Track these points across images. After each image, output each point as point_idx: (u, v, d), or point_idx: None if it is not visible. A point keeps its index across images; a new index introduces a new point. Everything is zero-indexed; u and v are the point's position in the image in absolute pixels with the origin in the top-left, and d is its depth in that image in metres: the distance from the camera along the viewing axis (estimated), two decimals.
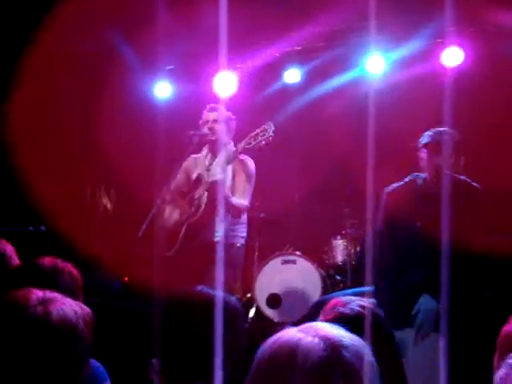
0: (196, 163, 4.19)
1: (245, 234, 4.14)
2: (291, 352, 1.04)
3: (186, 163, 4.22)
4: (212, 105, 4.18)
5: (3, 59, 5.21)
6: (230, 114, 4.15)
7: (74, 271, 2.07)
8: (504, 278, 4.05)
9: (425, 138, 3.49)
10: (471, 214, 3.25)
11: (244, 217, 4.13)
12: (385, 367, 1.83)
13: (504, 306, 3.14)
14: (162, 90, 6.05)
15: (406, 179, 3.55)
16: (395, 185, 3.58)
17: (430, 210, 3.30)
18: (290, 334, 1.09)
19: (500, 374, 1.15)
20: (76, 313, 1.40)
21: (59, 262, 2.07)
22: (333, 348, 1.04)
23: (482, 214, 3.42)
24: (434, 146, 3.45)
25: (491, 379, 1.58)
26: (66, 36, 5.10)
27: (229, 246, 3.98)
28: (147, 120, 5.77)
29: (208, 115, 4.12)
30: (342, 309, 1.84)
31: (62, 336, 1.36)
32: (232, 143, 4.08)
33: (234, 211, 3.96)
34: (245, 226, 4.14)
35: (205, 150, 4.20)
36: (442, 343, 2.90)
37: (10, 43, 5.17)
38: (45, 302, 1.39)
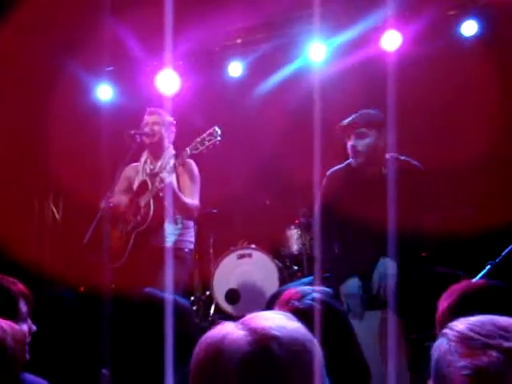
0: (137, 171, 4.13)
1: (193, 239, 4.10)
2: (216, 350, 0.99)
3: (127, 171, 4.16)
4: (152, 108, 4.13)
5: None
6: (171, 118, 4.11)
7: (14, 286, 1.99)
8: (453, 253, 4.15)
9: (347, 120, 3.54)
10: (413, 192, 3.30)
11: (190, 221, 4.10)
12: (343, 357, 1.84)
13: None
14: (104, 92, 5.94)
15: (347, 161, 3.60)
16: (335, 167, 3.63)
17: (369, 191, 3.36)
18: (219, 329, 1.05)
19: (435, 343, 1.17)
20: (3, 330, 1.35)
21: None
22: (260, 341, 0.99)
23: (424, 192, 3.47)
24: (343, 130, 3.50)
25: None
26: (8, 42, 4.96)
27: (177, 250, 3.94)
28: (91, 124, 5.66)
29: (148, 118, 4.07)
30: (296, 303, 1.84)
31: None
32: (171, 146, 4.05)
33: (187, 212, 3.91)
34: (192, 230, 4.11)
35: (144, 156, 4.14)
36: (392, 321, 2.95)
37: None
38: None
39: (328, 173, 3.65)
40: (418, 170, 3.50)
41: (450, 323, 1.20)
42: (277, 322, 1.05)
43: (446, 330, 1.19)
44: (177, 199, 3.77)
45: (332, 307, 1.84)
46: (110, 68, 5.94)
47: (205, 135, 3.77)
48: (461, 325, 1.17)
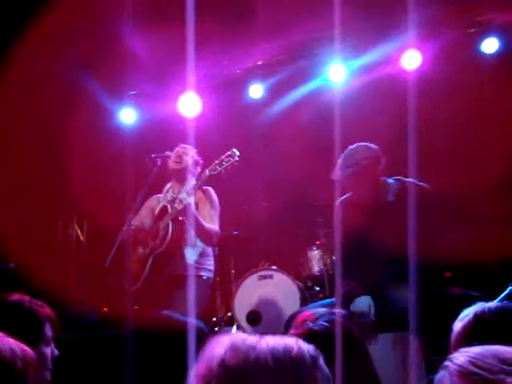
0: (159, 200, 4.18)
1: (212, 267, 4.11)
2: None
3: (150, 202, 4.23)
4: (184, 145, 4.19)
5: None
6: (198, 158, 4.17)
7: (42, 310, 2.02)
8: (471, 274, 4.10)
9: (334, 173, 3.50)
10: (424, 215, 3.26)
11: (210, 249, 4.12)
12: (358, 378, 1.83)
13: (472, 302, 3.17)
14: (127, 115, 6.03)
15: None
16: (342, 197, 3.64)
17: (378, 218, 3.35)
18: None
19: (437, 376, 1.15)
20: (13, 352, 1.37)
21: (25, 299, 2.03)
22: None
23: (434, 212, 3.43)
24: (339, 183, 3.49)
25: None
26: (30, 65, 5.07)
27: (195, 277, 3.95)
28: (114, 147, 5.74)
29: (177, 149, 4.14)
30: (311, 324, 1.84)
31: None
32: (194, 180, 4.09)
33: (206, 235, 3.93)
34: (211, 258, 4.12)
35: (167, 186, 4.20)
36: (413, 345, 2.92)
37: None
38: None
39: (337, 202, 3.65)
40: (425, 190, 3.47)
41: (451, 355, 1.16)
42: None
43: (446, 363, 1.16)
44: (196, 221, 3.80)
45: (347, 329, 1.84)
46: (133, 92, 6.03)
47: (223, 157, 3.83)
48: (461, 357, 1.13)
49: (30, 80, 5.35)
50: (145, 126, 5.99)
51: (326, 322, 1.81)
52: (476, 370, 1.08)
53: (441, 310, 3.13)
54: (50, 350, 1.98)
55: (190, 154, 4.09)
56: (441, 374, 1.15)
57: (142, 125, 6.01)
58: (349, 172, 3.41)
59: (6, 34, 4.89)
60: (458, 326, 1.74)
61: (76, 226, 5.87)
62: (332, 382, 1.14)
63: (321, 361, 1.10)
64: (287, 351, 1.04)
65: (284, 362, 1.03)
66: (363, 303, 3.27)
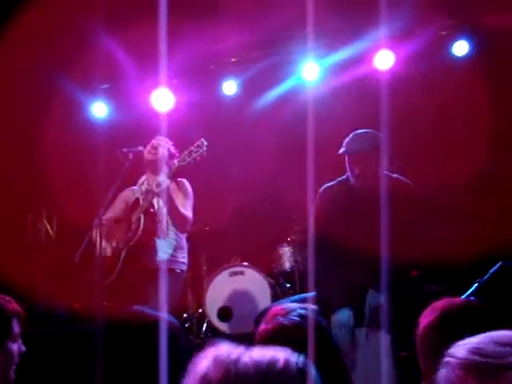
0: (134, 193, 4.15)
1: (185, 260, 4.09)
2: None
3: (124, 194, 4.19)
4: (161, 137, 4.15)
5: None
6: (174, 151, 4.13)
7: (9, 305, 1.99)
8: (446, 271, 4.16)
9: (343, 146, 3.51)
10: (405, 211, 3.28)
11: (185, 242, 4.10)
12: (329, 373, 1.84)
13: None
14: (99, 109, 5.98)
15: (340, 178, 3.58)
16: (328, 184, 3.62)
17: (362, 209, 3.35)
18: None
19: (439, 375, 1.12)
20: None
21: None
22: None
23: (416, 210, 3.46)
24: (351, 157, 3.48)
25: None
26: (2, 59, 4.99)
27: (169, 270, 3.94)
28: (86, 141, 5.68)
29: (153, 141, 4.10)
30: (281, 319, 1.85)
31: None
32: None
33: (181, 220, 3.91)
34: (185, 250, 4.11)
35: (142, 178, 4.17)
36: (384, 339, 2.95)
37: None
38: None
39: (321, 189, 3.63)
40: (409, 187, 3.50)
41: (450, 350, 1.13)
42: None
43: (447, 359, 1.12)
44: (171, 205, 3.78)
45: (317, 323, 1.85)
46: (105, 86, 5.97)
47: (192, 147, 3.83)
48: (461, 350, 1.09)
49: (1, 74, 5.26)
50: (117, 120, 5.94)
51: (296, 316, 1.82)
52: (480, 358, 1.05)
53: (414, 306, 3.17)
54: (16, 346, 1.95)
55: (166, 146, 4.06)
56: (443, 372, 1.11)
57: (114, 119, 5.96)
58: (365, 148, 3.36)
59: None
60: (424, 320, 1.77)
61: (45, 221, 5.79)
62: None
63: (311, 372, 1.05)
64: (272, 365, 1.00)
65: (267, 376, 0.99)
66: (344, 315, 3.27)
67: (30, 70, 5.40)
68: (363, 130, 3.53)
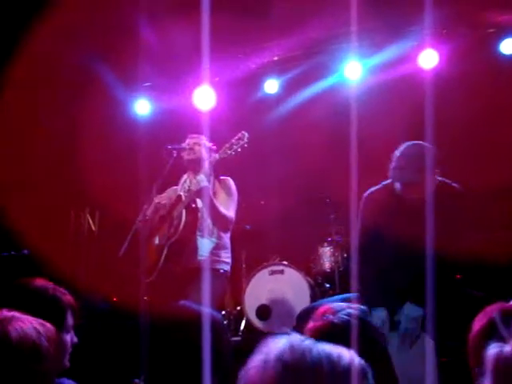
0: (176, 191, 4.14)
1: (229, 260, 4.02)
2: None
3: (168, 193, 4.17)
4: (193, 134, 4.15)
5: None
6: (210, 144, 4.13)
7: (64, 297, 2.02)
8: (494, 276, 4.06)
9: (395, 171, 3.41)
10: (452, 216, 3.20)
11: (228, 241, 4.04)
12: (376, 373, 1.82)
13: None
14: (142, 107, 6.05)
15: (385, 182, 3.51)
16: (373, 189, 3.54)
17: (409, 215, 3.28)
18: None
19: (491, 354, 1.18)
20: (38, 331, 1.36)
21: (49, 285, 2.02)
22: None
23: (463, 214, 3.38)
24: (404, 185, 3.40)
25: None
26: (45, 55, 5.08)
27: (212, 270, 3.88)
28: (129, 138, 5.76)
29: (190, 140, 4.09)
30: (331, 317, 1.84)
31: (23, 355, 1.32)
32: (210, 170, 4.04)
33: (221, 220, 3.86)
34: (229, 250, 4.04)
35: (184, 177, 4.16)
36: (427, 344, 2.89)
37: None
38: (3, 321, 1.35)
39: (365, 194, 3.56)
40: (458, 191, 3.41)
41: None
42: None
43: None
44: (211, 204, 3.75)
45: (367, 323, 1.84)
46: (148, 84, 6.04)
47: (233, 140, 3.82)
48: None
49: (46, 70, 5.36)
50: (159, 117, 6.00)
51: (346, 315, 1.81)
52: None
53: (459, 312, 3.11)
54: (69, 337, 1.99)
55: (202, 143, 4.04)
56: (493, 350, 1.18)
57: (157, 117, 6.02)
58: (419, 178, 3.22)
59: (21, 24, 4.90)
60: (475, 326, 1.73)
61: (88, 216, 5.89)
62: None
63: (370, 375, 1.15)
64: (341, 358, 1.09)
65: (337, 367, 1.07)
66: (378, 317, 3.22)
67: (74, 66, 5.50)
68: (415, 147, 3.39)
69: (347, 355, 1.10)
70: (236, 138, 3.83)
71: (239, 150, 3.78)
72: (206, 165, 3.97)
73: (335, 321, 1.80)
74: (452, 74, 5.03)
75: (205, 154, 4.00)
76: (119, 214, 4.90)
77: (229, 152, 3.79)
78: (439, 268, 2.53)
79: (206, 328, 1.78)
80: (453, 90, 4.98)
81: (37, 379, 1.35)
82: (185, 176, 4.17)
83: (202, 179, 3.76)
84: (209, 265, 3.85)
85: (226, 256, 4.00)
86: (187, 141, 4.09)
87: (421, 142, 3.36)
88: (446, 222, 2.90)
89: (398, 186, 3.41)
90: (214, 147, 4.09)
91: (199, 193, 3.77)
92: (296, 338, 1.12)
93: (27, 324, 1.36)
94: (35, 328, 1.37)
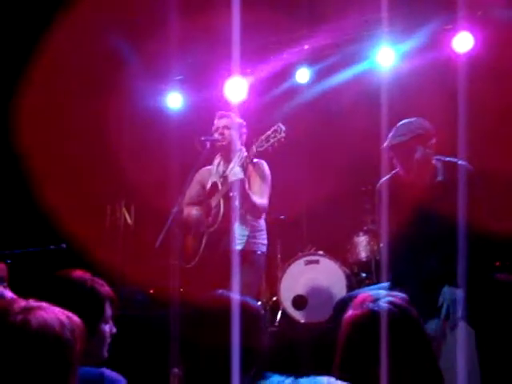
0: (210, 174, 4.18)
1: (265, 242, 4.06)
2: None
3: (200, 175, 4.20)
4: (222, 112, 4.18)
5: (10, 70, 5.25)
6: (241, 120, 4.15)
7: (102, 288, 2.05)
8: None
9: (385, 143, 3.37)
10: (474, 198, 3.13)
11: (263, 223, 4.06)
12: (419, 367, 1.80)
13: None
14: (174, 100, 6.08)
15: (394, 171, 3.46)
16: (382, 179, 3.51)
17: (417, 202, 3.24)
18: None
19: None
20: (61, 321, 1.37)
21: (87, 277, 2.05)
22: None
23: (483, 197, 3.29)
24: (389, 151, 3.36)
25: None
26: (76, 48, 5.14)
27: (250, 253, 3.92)
28: (161, 131, 5.80)
29: (218, 122, 4.12)
30: (371, 305, 1.83)
31: (43, 344, 1.34)
32: (243, 149, 4.07)
33: (254, 210, 3.90)
34: (264, 232, 4.07)
35: (217, 159, 4.19)
36: (467, 333, 2.85)
37: (16, 55, 5.21)
38: (26, 310, 1.37)
39: (379, 183, 3.54)
40: (471, 172, 3.33)
41: None
42: None
43: None
44: (245, 197, 3.78)
45: (407, 311, 1.81)
46: (180, 76, 6.06)
47: (269, 132, 3.78)
48: None
49: (79, 62, 5.43)
50: (191, 110, 6.02)
51: (386, 303, 1.79)
52: None
53: (494, 299, 3.05)
54: (108, 328, 2.01)
55: (232, 124, 4.03)
56: None
57: (189, 109, 6.05)
58: (401, 139, 3.23)
59: (50, 13, 4.95)
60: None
61: (124, 209, 5.96)
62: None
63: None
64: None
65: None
66: (454, 293, 3.17)
67: (107, 60, 5.55)
68: (405, 121, 3.38)
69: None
70: (272, 129, 3.77)
71: (276, 144, 3.73)
72: (238, 145, 3.99)
73: (375, 309, 1.78)
74: (487, 58, 4.92)
75: (235, 136, 4.02)
76: (154, 206, 4.95)
77: (265, 145, 3.75)
78: (469, 253, 2.48)
79: (238, 318, 1.78)
80: (487, 74, 4.87)
81: (56, 369, 1.36)
82: (218, 158, 4.18)
83: (237, 172, 3.78)
84: (246, 247, 3.87)
85: (263, 238, 4.04)
86: (216, 122, 4.10)
87: (404, 122, 3.34)
88: (469, 203, 2.83)
89: (399, 168, 3.38)
90: (244, 123, 4.10)
91: (234, 185, 3.79)
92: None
93: (51, 315, 1.38)
94: (59, 319, 1.38)
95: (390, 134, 3.32)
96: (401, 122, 3.35)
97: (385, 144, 3.30)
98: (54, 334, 1.35)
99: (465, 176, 3.19)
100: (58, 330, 1.35)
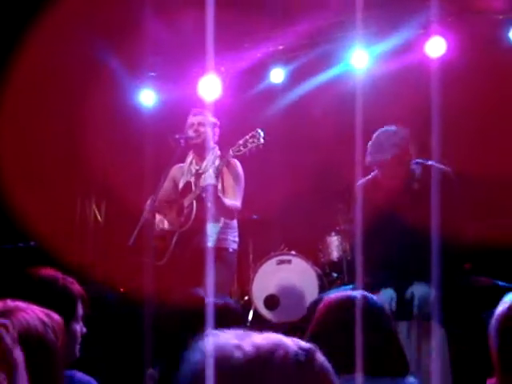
0: (182, 171, 4.16)
1: (237, 239, 4.10)
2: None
3: (173, 172, 4.19)
4: (197, 109, 4.17)
5: None
6: (214, 118, 4.15)
7: (74, 286, 2.01)
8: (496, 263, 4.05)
9: (367, 157, 3.41)
10: (447, 200, 3.18)
11: (235, 221, 4.09)
12: (384, 356, 1.83)
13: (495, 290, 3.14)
14: (147, 97, 6.02)
15: (375, 172, 3.51)
16: (362, 180, 3.56)
17: (394, 204, 3.29)
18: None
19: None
20: (43, 322, 1.33)
21: (58, 275, 2.01)
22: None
23: (459, 198, 3.36)
24: (374, 167, 3.41)
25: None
26: (49, 44, 5.06)
27: (221, 250, 3.94)
28: (134, 128, 5.74)
29: (193, 119, 4.11)
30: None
31: (26, 346, 1.29)
32: (217, 147, 4.07)
33: (227, 213, 3.92)
34: (236, 230, 4.11)
35: (189, 157, 4.18)
36: (437, 333, 2.89)
37: None
38: (6, 312, 1.32)
39: (359, 183, 3.59)
40: (446, 173, 3.39)
41: None
42: None
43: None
44: (218, 201, 3.79)
45: (369, 307, 1.86)
46: (153, 73, 6.01)
47: (247, 137, 3.78)
48: None
49: (50, 60, 5.34)
50: (165, 107, 5.97)
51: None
52: None
53: (465, 300, 3.10)
54: (79, 327, 1.98)
55: (206, 122, 4.03)
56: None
57: (162, 106, 5.99)
58: (384, 157, 3.29)
59: (25, 13, 4.88)
60: (494, 318, 1.70)
61: (94, 206, 5.89)
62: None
63: (318, 358, 0.99)
64: (276, 350, 0.97)
65: (271, 360, 0.96)
66: (385, 296, 3.23)
67: (80, 55, 5.48)
68: (378, 134, 3.42)
69: (284, 344, 0.97)
70: (250, 134, 3.79)
71: (254, 149, 3.74)
72: (211, 144, 3.99)
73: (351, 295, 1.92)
74: (460, 63, 4.98)
75: (210, 134, 4.02)
76: (125, 204, 4.90)
77: (243, 150, 3.77)
78: (442, 256, 2.52)
79: (213, 318, 1.77)
80: (460, 79, 4.93)
81: (43, 372, 1.32)
82: (190, 156, 4.16)
83: (209, 176, 3.78)
84: (218, 245, 3.89)
85: (234, 235, 4.07)
86: (190, 119, 4.08)
87: (389, 127, 3.39)
88: (442, 205, 2.88)
89: (377, 172, 3.44)
90: (218, 123, 4.10)
91: (206, 189, 3.79)
92: (224, 337, 0.99)
93: (32, 315, 1.33)
94: (40, 319, 1.33)
95: (371, 147, 3.34)
96: (381, 132, 3.37)
97: (367, 160, 3.33)
98: (37, 336, 1.31)
99: (440, 177, 3.24)
100: (41, 332, 1.31)
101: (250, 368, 0.93)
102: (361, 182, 3.56)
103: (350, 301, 1.86)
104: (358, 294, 1.93)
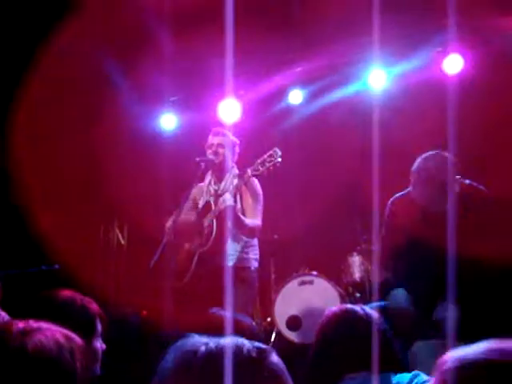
0: (201, 191, 4.20)
1: (257, 257, 4.11)
2: None
3: (193, 192, 4.22)
4: (217, 128, 4.21)
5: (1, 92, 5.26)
6: (234, 138, 4.18)
7: (92, 304, 2.07)
8: None
9: (414, 169, 3.40)
10: (479, 217, 3.18)
11: (255, 239, 4.11)
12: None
13: None
14: (168, 121, 6.10)
15: (409, 189, 3.50)
16: (398, 195, 3.54)
17: (433, 225, 3.26)
18: None
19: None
20: (59, 344, 1.34)
21: (76, 295, 2.07)
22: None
23: (490, 217, 3.34)
24: (417, 181, 3.40)
25: None
26: (68, 71, 5.16)
27: (243, 269, 3.96)
28: (155, 153, 5.81)
29: (213, 139, 4.15)
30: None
31: (39, 368, 1.31)
32: (235, 166, 4.10)
33: (248, 232, 3.94)
34: (257, 248, 4.12)
35: (208, 177, 4.21)
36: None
37: (8, 77, 5.21)
38: (24, 332, 1.34)
39: (391, 199, 3.57)
40: (484, 194, 3.38)
41: None
42: None
43: None
44: (238, 221, 3.80)
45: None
46: (174, 98, 6.10)
47: (265, 156, 3.81)
48: None
49: (72, 87, 5.45)
50: (185, 131, 6.05)
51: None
52: None
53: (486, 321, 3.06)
54: (99, 344, 2.03)
55: (226, 143, 4.06)
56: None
57: (183, 130, 6.07)
58: (438, 194, 3.29)
59: (40, 37, 4.98)
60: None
61: (117, 230, 5.95)
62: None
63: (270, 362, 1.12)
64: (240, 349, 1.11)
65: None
66: (399, 295, 3.21)
67: (99, 81, 5.57)
68: (440, 154, 3.39)
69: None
70: (268, 154, 3.83)
71: (271, 168, 3.77)
72: (230, 164, 4.02)
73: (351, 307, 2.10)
74: (477, 80, 4.98)
75: (229, 155, 4.05)
76: (147, 227, 4.94)
77: (261, 169, 3.80)
78: (466, 275, 2.50)
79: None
80: (478, 96, 4.92)
81: None
82: (209, 176, 4.20)
83: (227, 199, 3.81)
84: (239, 264, 3.91)
85: (254, 253, 4.08)
86: (210, 139, 4.12)
87: (438, 153, 3.36)
88: (476, 226, 2.87)
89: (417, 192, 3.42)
90: (238, 142, 4.14)
91: (224, 211, 3.81)
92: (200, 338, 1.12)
93: (49, 336, 1.35)
94: (57, 341, 1.34)
95: (419, 178, 3.31)
96: (435, 154, 3.35)
97: (416, 196, 3.31)
98: (51, 358, 1.32)
99: (476, 197, 3.23)
100: (55, 354, 1.32)
101: (210, 359, 1.07)
102: (393, 198, 3.55)
103: (347, 312, 2.05)
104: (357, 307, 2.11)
